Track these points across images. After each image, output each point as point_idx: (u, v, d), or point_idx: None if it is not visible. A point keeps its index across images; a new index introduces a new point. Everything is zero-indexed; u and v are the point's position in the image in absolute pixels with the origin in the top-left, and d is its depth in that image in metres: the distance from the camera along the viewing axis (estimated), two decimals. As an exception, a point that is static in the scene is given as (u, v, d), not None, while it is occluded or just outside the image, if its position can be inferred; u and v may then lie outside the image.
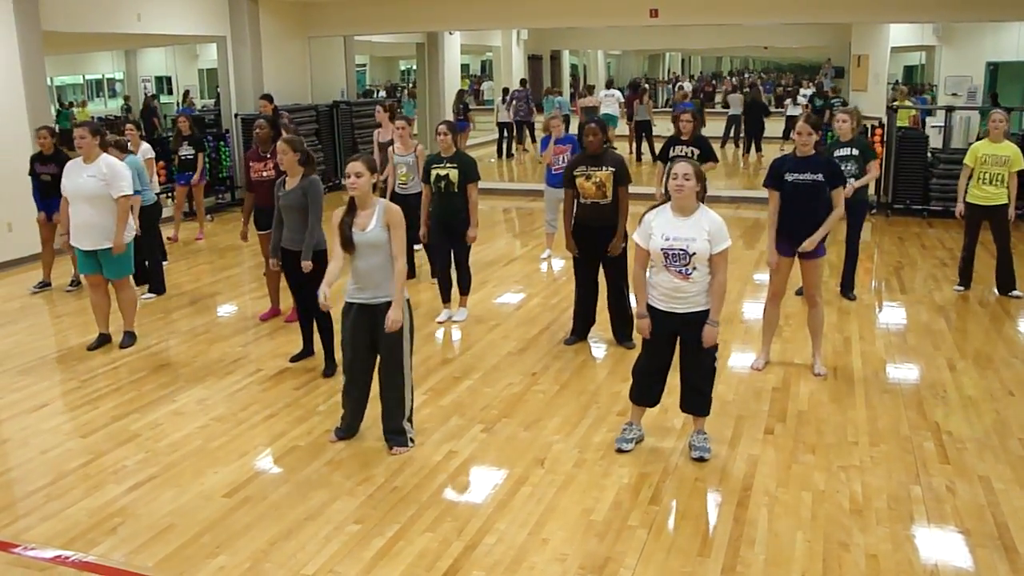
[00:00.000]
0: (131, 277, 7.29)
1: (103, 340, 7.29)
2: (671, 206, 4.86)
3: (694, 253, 4.74)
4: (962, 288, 8.54)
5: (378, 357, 5.16)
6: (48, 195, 8.82)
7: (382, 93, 27.17)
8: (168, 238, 11.00)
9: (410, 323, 5.13)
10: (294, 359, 6.83)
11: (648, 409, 5.34)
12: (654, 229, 4.84)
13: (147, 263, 8.80)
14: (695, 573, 4.01)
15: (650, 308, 4.96)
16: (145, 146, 10.00)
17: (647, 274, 4.99)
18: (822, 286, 6.56)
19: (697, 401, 5.11)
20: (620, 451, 5.18)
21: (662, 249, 4.78)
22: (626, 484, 4.83)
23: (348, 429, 5.39)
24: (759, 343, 6.74)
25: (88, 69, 26.92)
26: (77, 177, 6.85)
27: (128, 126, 10.06)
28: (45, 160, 8.79)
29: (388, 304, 4.98)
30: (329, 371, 6.49)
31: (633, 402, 5.28)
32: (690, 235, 4.76)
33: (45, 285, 9.20)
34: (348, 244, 4.96)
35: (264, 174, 7.45)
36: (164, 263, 9.89)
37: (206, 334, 7.64)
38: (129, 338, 7.28)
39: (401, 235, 4.97)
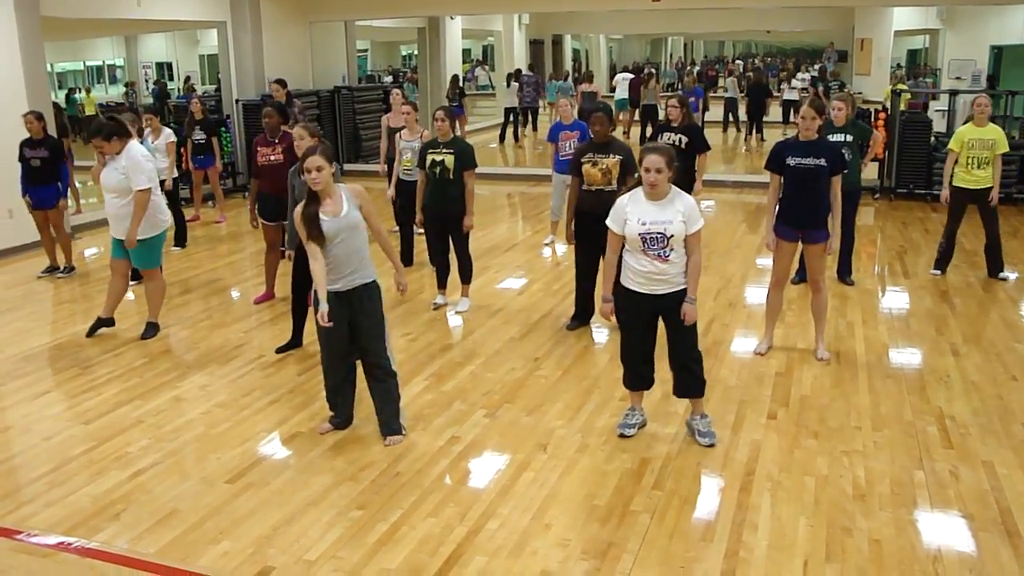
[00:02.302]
0: (159, 268, 7.27)
1: (100, 324, 7.25)
2: (643, 192, 4.85)
3: (672, 235, 4.76)
4: (938, 272, 8.54)
5: (360, 347, 5.15)
6: (35, 181, 8.83)
7: (388, 79, 27.06)
8: (188, 220, 11.07)
9: (380, 310, 5.12)
10: (281, 349, 6.78)
11: (648, 394, 5.34)
12: (629, 215, 4.83)
13: None
14: (698, 558, 4.01)
15: (630, 292, 4.95)
16: (167, 131, 10.08)
17: (623, 258, 4.99)
18: (826, 271, 6.53)
19: (690, 383, 5.11)
20: (622, 436, 5.18)
21: (640, 234, 4.78)
22: (628, 469, 4.83)
23: (341, 419, 5.37)
24: (762, 328, 6.73)
25: (88, 55, 26.90)
26: (108, 171, 6.88)
27: (147, 116, 10.07)
28: (35, 145, 8.80)
29: (363, 286, 4.99)
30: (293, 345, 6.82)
31: (628, 388, 5.29)
32: (666, 218, 4.76)
33: (53, 269, 9.23)
34: (319, 237, 4.86)
35: (272, 158, 7.43)
36: (177, 249, 10.11)
37: (208, 320, 7.64)
38: (152, 329, 7.23)
39: (373, 209, 5.08)
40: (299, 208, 4.95)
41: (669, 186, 4.83)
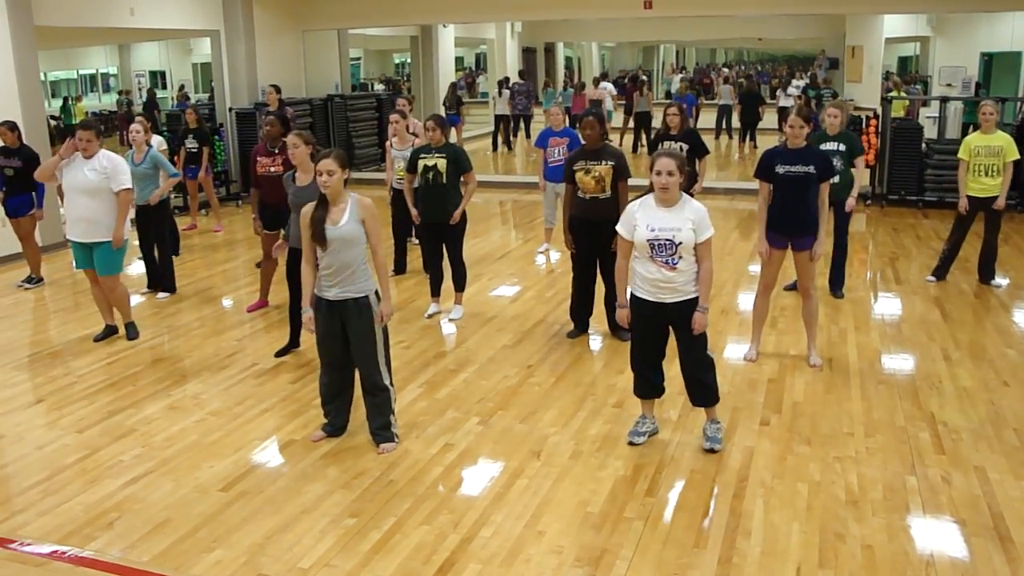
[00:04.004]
0: (120, 275, 7.24)
1: (110, 331, 7.35)
2: (654, 197, 4.86)
3: (680, 243, 4.75)
4: (935, 279, 8.55)
5: (353, 355, 5.15)
6: (9, 191, 8.78)
7: (380, 87, 27.11)
8: (184, 229, 11.03)
9: (371, 326, 5.10)
10: (279, 353, 6.81)
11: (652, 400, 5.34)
12: (638, 220, 4.84)
13: (158, 261, 8.68)
14: (691, 564, 4.02)
15: (639, 299, 4.96)
16: (157, 139, 10.04)
17: (632, 264, 4.99)
18: (816, 278, 6.55)
19: (702, 393, 5.12)
20: (632, 444, 5.17)
21: (647, 240, 4.79)
22: (622, 476, 4.84)
23: (334, 427, 5.37)
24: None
25: (82, 64, 26.91)
26: (77, 172, 6.86)
27: (139, 117, 10.04)
28: (9, 154, 8.75)
29: (355, 300, 4.98)
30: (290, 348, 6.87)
31: (638, 396, 5.29)
32: (675, 225, 4.76)
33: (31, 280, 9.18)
34: (322, 239, 4.91)
35: (272, 169, 7.39)
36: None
37: (201, 329, 7.63)
38: (133, 329, 7.32)
39: (377, 227, 5.00)
40: (307, 208, 5.00)
41: (680, 193, 4.84)
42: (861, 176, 7.90)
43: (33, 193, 8.86)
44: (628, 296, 5.03)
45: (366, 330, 5.02)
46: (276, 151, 7.44)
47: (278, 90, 12.27)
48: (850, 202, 7.71)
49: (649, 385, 5.21)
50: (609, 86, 20.70)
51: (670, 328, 5.03)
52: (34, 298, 8.80)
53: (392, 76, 32.76)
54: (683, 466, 4.94)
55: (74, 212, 6.93)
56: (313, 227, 4.93)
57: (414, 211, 7.62)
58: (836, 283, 8.18)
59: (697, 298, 4.88)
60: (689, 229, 4.75)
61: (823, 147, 7.40)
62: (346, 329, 5.05)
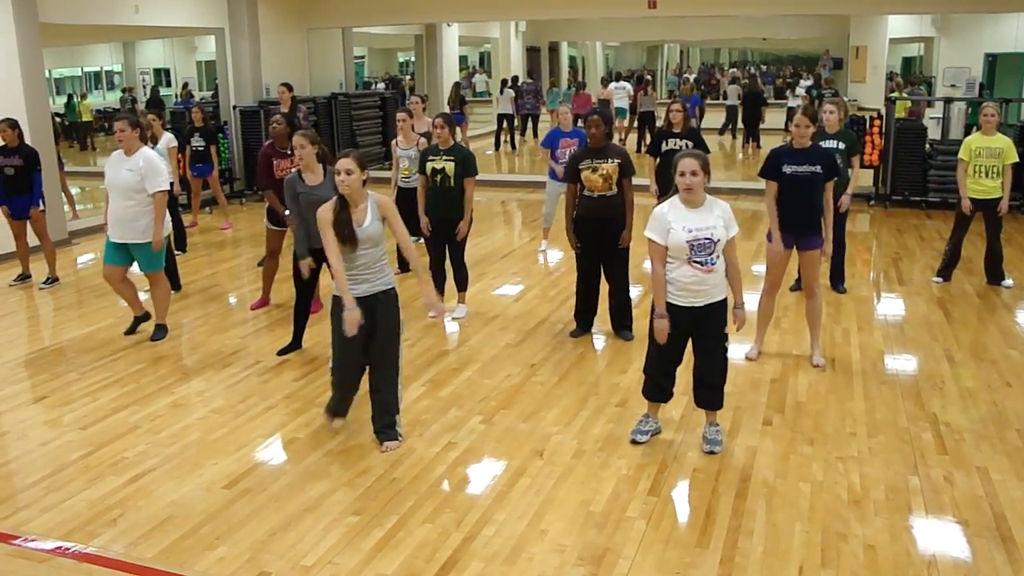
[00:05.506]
0: (164, 271, 7.30)
1: (138, 321, 7.36)
2: (680, 199, 4.84)
3: (718, 240, 4.76)
4: (940, 280, 8.54)
5: (371, 351, 5.13)
6: (10, 190, 8.69)
7: (381, 85, 27.14)
8: (187, 226, 11.03)
9: (397, 319, 5.13)
10: (282, 352, 6.82)
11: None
12: (672, 223, 4.76)
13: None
14: (694, 564, 4.02)
15: (667, 305, 4.89)
16: (168, 135, 10.02)
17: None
18: (820, 277, 6.55)
19: (710, 396, 5.10)
20: (635, 443, 5.17)
21: (687, 242, 4.73)
22: (625, 475, 4.84)
23: (337, 411, 5.40)
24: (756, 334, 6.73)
25: (86, 61, 26.93)
26: (118, 170, 6.86)
27: (151, 116, 10.02)
28: (8, 153, 8.64)
29: (384, 292, 5.02)
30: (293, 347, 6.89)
31: (647, 399, 5.27)
32: (710, 223, 4.76)
33: (25, 277, 9.15)
34: (353, 240, 4.91)
35: (293, 170, 7.35)
36: (178, 253, 9.90)
37: (204, 326, 7.65)
38: (161, 331, 7.28)
39: (399, 222, 5.08)
40: (325, 209, 4.94)
41: (704, 193, 4.83)
42: (857, 175, 7.82)
43: (34, 193, 8.81)
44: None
45: (393, 322, 5.07)
46: (291, 152, 7.39)
47: (290, 88, 12.14)
48: (844, 200, 7.63)
49: (660, 390, 5.20)
50: (627, 85, 20.70)
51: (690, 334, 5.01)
52: (38, 295, 8.82)
53: (396, 75, 32.77)
54: (686, 465, 4.94)
55: (112, 211, 6.93)
56: (342, 228, 4.88)
57: (424, 220, 7.52)
58: (837, 278, 8.21)
59: (723, 300, 4.88)
60: (722, 226, 4.78)
61: (821, 144, 7.35)
62: (372, 323, 5.01)
